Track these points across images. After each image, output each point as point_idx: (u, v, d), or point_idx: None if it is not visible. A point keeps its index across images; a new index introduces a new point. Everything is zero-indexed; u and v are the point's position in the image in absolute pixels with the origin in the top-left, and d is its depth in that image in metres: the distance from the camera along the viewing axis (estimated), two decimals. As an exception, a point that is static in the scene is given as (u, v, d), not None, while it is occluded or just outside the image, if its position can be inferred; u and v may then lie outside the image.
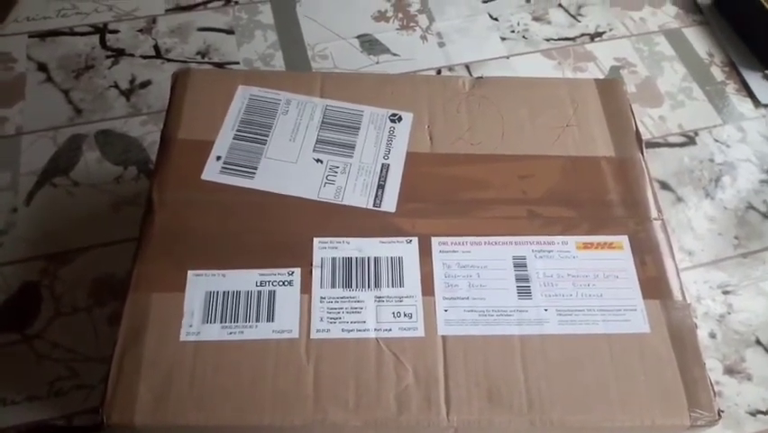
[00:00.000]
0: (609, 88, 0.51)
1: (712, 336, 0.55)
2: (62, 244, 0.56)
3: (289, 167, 0.45)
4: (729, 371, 0.53)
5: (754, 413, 0.52)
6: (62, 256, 0.56)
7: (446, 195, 0.44)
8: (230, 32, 0.73)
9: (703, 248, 0.60)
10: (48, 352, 0.51)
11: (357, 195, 0.44)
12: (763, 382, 0.53)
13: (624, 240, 0.43)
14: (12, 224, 0.57)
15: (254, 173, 0.44)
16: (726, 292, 0.57)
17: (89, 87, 0.67)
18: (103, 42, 0.71)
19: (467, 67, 0.72)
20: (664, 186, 0.64)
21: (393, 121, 0.48)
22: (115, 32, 0.73)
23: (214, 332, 0.38)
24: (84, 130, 0.64)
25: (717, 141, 0.68)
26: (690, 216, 0.62)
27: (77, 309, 0.53)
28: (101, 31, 0.73)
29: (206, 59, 0.71)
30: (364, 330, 0.38)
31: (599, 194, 0.45)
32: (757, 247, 0.61)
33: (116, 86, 0.68)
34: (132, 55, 0.71)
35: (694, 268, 0.59)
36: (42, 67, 0.69)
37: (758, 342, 0.55)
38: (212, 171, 0.44)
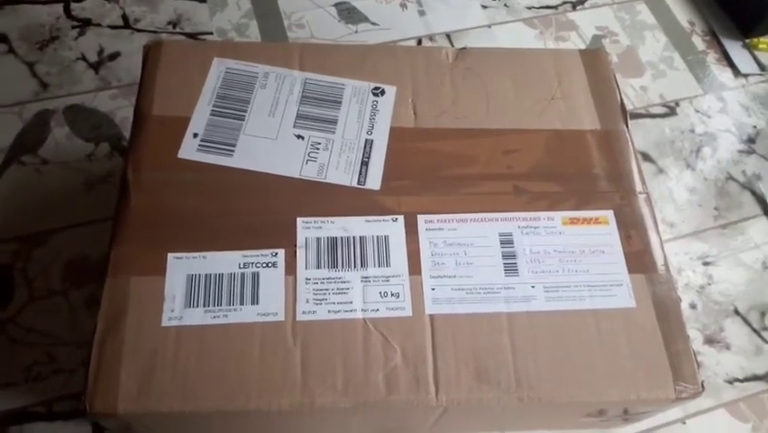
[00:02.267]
0: (594, 59, 0.50)
1: (693, 306, 0.56)
2: (34, 224, 0.54)
3: (269, 144, 0.43)
4: (709, 340, 0.54)
5: (731, 381, 0.53)
6: (34, 238, 0.54)
7: (431, 171, 0.43)
8: (202, 0, 0.70)
9: (684, 219, 0.61)
10: (22, 337, 0.50)
11: (340, 172, 0.43)
12: (741, 351, 0.54)
13: (609, 215, 0.43)
14: (-22, 205, 0.55)
15: (233, 151, 0.43)
16: (706, 264, 0.58)
17: (55, 60, 0.64)
18: (67, 12, 0.68)
19: (448, 36, 0.71)
20: (646, 157, 0.64)
21: (376, 95, 0.46)
22: (81, 0, 0.69)
23: (197, 316, 0.37)
24: (51, 105, 0.61)
25: (697, 111, 0.68)
26: (671, 187, 0.63)
27: (52, 293, 0.52)
28: (65, -1, 0.69)
29: (178, 30, 0.68)
30: (351, 311, 0.38)
31: (585, 168, 0.45)
32: (736, 218, 0.61)
33: (84, 58, 0.65)
34: (99, 25, 0.67)
35: (675, 240, 0.59)
36: (3, 38, 0.65)
37: (736, 312, 0.56)
38: (189, 149, 0.42)
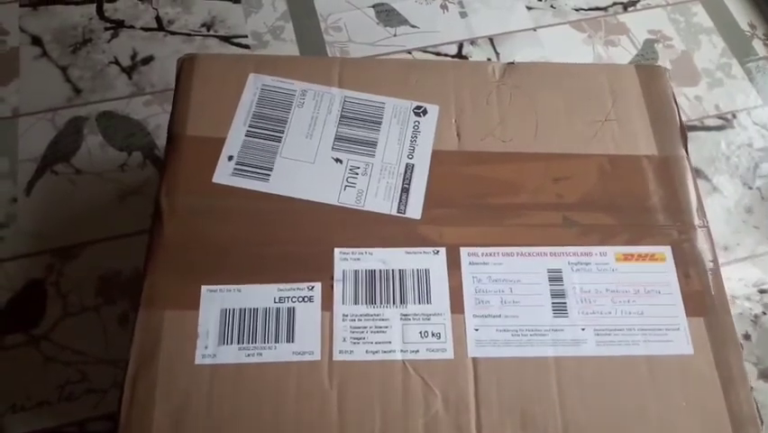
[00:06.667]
0: (652, 76, 0.47)
1: (746, 337, 0.53)
2: (67, 237, 0.54)
3: (307, 168, 0.41)
4: (764, 375, 0.51)
5: (787, 420, 0.50)
6: (67, 251, 0.53)
7: (475, 199, 0.41)
8: (236, 0, 0.68)
9: (739, 243, 0.57)
10: (56, 354, 0.49)
11: (380, 199, 0.41)
12: (798, 387, 0.51)
13: (666, 251, 0.40)
14: (12, 216, 0.55)
15: (269, 175, 0.41)
16: (762, 291, 0.55)
17: (88, 64, 0.63)
18: (100, 13, 0.67)
19: (491, 40, 0.68)
20: (699, 173, 0.61)
21: (417, 114, 0.44)
22: (113, 0, 0.68)
23: (231, 354, 0.36)
24: (84, 112, 0.60)
25: (756, 123, 0.64)
26: (726, 207, 0.59)
27: (85, 309, 0.51)
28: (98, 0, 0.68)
29: (212, 32, 0.66)
30: (390, 351, 0.36)
31: (640, 198, 0.42)
32: (796, 241, 0.58)
33: (117, 62, 0.64)
34: (132, 27, 0.66)
35: (729, 264, 0.56)
36: (37, 40, 0.65)
37: (794, 344, 0.53)
38: (223, 173, 0.41)
